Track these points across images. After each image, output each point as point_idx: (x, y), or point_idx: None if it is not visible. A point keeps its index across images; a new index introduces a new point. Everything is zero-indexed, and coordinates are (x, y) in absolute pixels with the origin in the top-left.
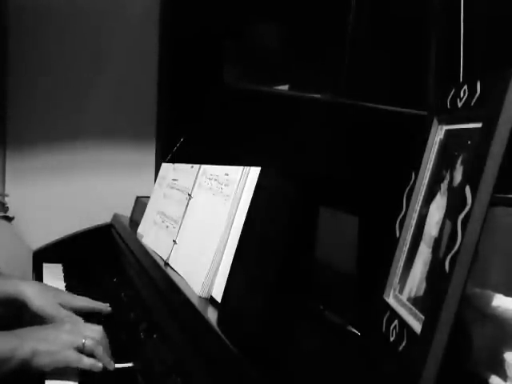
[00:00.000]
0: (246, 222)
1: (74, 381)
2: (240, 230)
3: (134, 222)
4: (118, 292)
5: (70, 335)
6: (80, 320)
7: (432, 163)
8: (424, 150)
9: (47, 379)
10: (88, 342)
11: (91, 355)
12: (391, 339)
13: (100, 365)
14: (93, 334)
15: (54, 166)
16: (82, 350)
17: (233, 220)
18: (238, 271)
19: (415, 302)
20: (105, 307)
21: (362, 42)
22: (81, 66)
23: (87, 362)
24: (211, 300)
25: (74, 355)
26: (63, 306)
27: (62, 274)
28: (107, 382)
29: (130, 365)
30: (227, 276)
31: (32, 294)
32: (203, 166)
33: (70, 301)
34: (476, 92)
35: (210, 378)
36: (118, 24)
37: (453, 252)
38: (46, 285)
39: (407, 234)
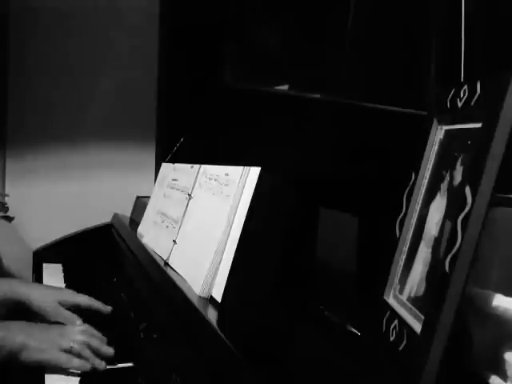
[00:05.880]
0: (246, 222)
1: (74, 376)
2: (240, 230)
3: (134, 222)
4: (118, 292)
5: (58, 337)
6: (75, 320)
7: (432, 163)
8: (424, 150)
9: (47, 373)
10: (76, 346)
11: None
12: (391, 339)
13: (88, 365)
14: (81, 337)
15: (54, 166)
16: (70, 353)
17: (233, 220)
18: (238, 271)
19: (415, 301)
20: (104, 307)
21: (361, 42)
22: (81, 66)
23: (76, 363)
24: (211, 300)
25: (64, 356)
26: (64, 304)
27: (62, 274)
28: (107, 379)
29: (130, 365)
30: (227, 276)
31: (32, 295)
32: (203, 166)
33: (70, 297)
34: (476, 92)
35: (210, 378)
36: (118, 24)
37: (453, 252)
38: (45, 285)
39: (407, 234)
